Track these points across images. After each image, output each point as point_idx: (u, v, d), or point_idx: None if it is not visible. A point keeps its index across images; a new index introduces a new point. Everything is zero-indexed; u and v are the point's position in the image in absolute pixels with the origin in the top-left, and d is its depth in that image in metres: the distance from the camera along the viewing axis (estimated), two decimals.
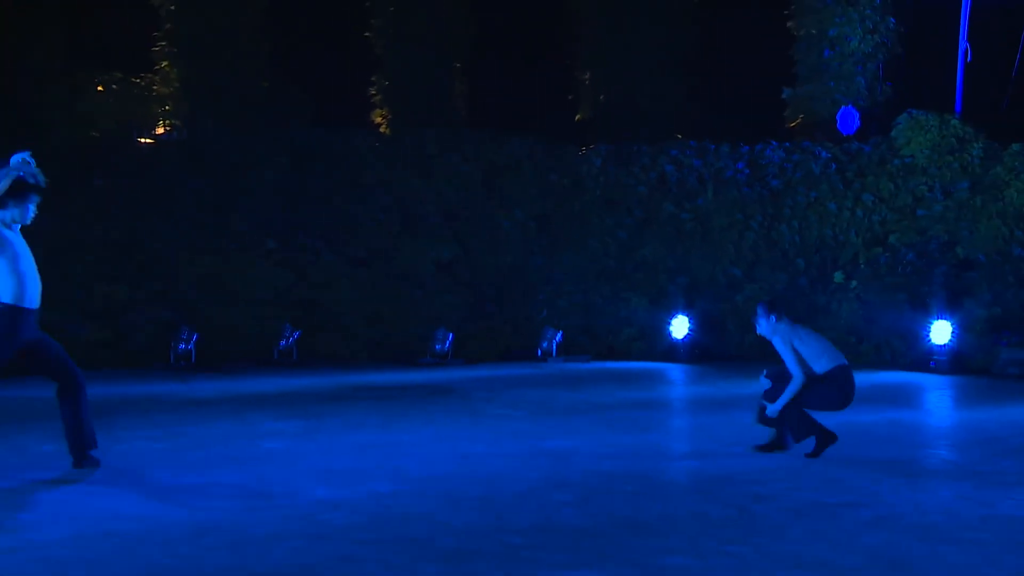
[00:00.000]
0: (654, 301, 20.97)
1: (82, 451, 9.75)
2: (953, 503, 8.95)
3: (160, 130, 23.19)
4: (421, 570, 6.93)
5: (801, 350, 10.71)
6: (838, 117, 22.51)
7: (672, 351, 20.23)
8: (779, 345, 10.72)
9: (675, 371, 19.12)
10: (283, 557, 7.15)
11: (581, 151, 22.81)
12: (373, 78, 24.53)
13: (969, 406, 15.93)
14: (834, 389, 10.70)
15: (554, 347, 20.26)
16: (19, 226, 9.54)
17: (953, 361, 18.84)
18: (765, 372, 10.98)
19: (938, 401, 16.48)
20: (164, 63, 23.15)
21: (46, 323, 9.95)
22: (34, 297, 9.56)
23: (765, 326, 10.86)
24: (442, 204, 21.81)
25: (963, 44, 22.48)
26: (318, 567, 6.97)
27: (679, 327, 20.23)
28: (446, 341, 19.90)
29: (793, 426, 10.71)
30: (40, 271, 9.62)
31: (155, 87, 23.35)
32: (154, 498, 8.75)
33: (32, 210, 9.47)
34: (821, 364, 10.70)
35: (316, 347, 20.01)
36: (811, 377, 10.68)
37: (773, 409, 10.65)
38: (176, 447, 11.12)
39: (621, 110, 24.15)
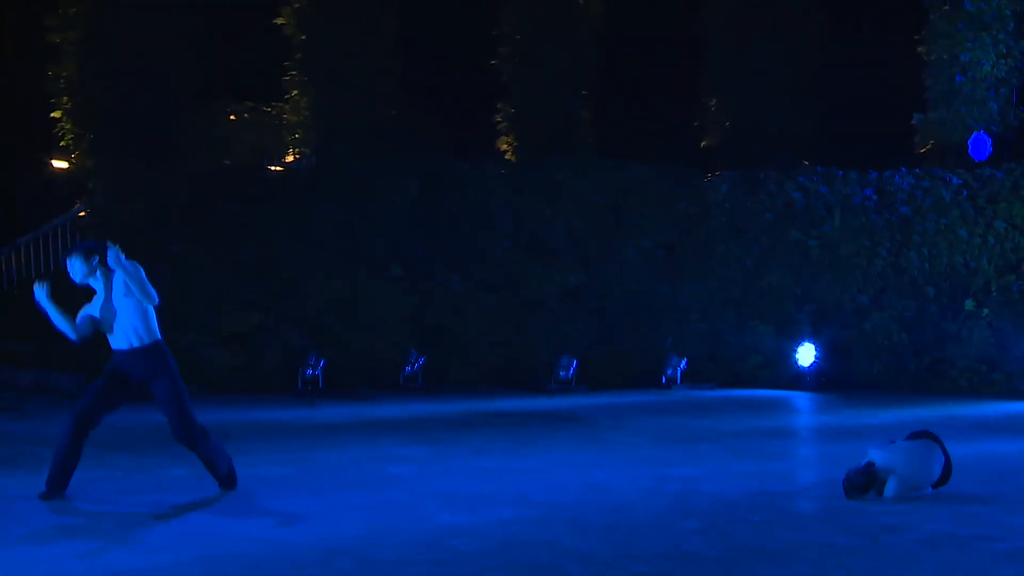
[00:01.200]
0: (780, 329, 20.80)
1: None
2: None
3: (290, 158, 23.54)
4: None
5: None
6: (970, 143, 22.15)
7: (798, 379, 20.04)
8: None
9: (801, 399, 18.93)
10: None
11: (707, 178, 22.74)
12: (499, 105, 24.67)
13: None
14: None
15: (679, 374, 20.18)
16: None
17: None
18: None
19: None
20: (295, 92, 23.52)
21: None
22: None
23: None
24: (569, 231, 21.85)
25: None
26: None
27: (805, 355, 20.03)
28: (571, 368, 19.92)
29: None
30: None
31: (285, 116, 23.72)
32: (283, 521, 8.88)
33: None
34: None
35: (443, 373, 20.15)
36: None
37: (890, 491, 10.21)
38: (304, 471, 11.28)
39: (748, 136, 24.00)
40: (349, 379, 19.36)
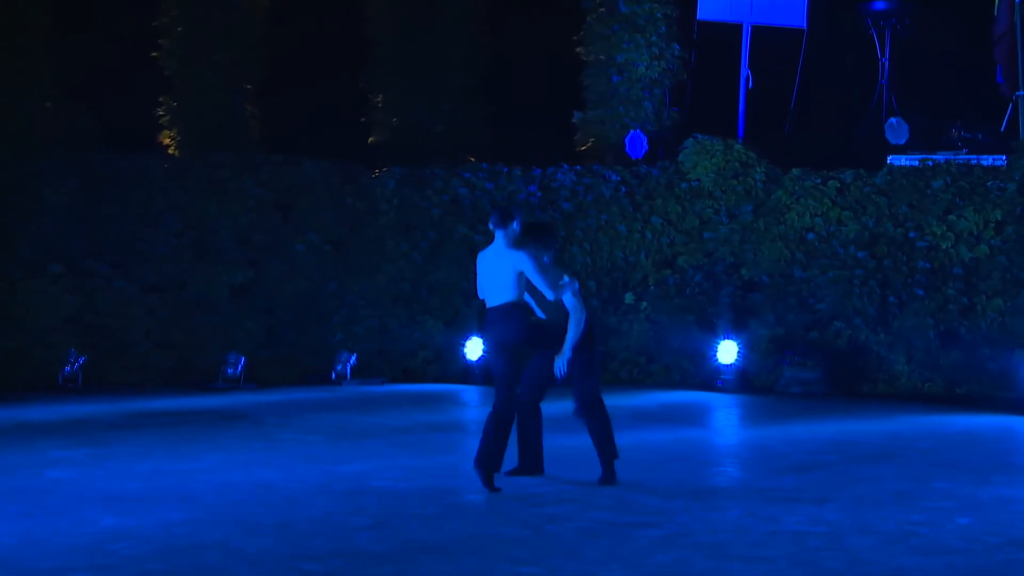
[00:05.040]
0: (449, 323, 21.04)
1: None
2: (741, 520, 9.20)
3: None
4: None
5: None
6: (626, 141, 22.85)
7: (467, 373, 20.32)
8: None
9: (470, 393, 19.23)
10: None
11: (375, 174, 22.75)
12: (162, 99, 24.09)
13: (754, 424, 16.40)
14: None
15: (348, 370, 20.18)
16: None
17: (739, 380, 19.36)
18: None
19: (725, 420, 16.91)
20: None
21: None
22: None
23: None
24: (236, 229, 21.49)
25: (744, 71, 23.13)
26: None
27: (473, 349, 20.34)
28: (238, 365, 19.66)
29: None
30: None
31: None
32: None
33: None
34: None
35: (106, 374, 19.60)
36: None
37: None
38: None
39: (414, 133, 24.12)
40: (5, 382, 18.62)
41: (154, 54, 23.86)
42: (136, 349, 20.23)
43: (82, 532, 8.48)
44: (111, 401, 17.46)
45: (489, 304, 10.62)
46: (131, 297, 20.45)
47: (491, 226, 10.59)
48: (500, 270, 10.46)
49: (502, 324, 10.51)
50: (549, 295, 10.46)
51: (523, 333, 10.55)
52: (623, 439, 11.24)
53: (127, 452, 12.55)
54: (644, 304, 20.78)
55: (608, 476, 10.56)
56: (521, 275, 10.37)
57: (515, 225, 10.55)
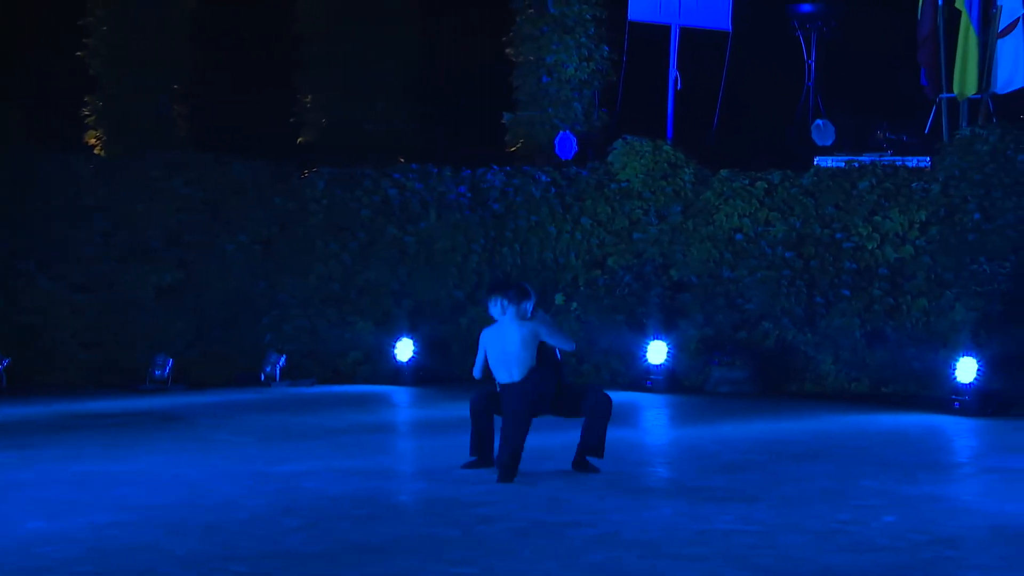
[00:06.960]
0: (379, 324, 20.98)
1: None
2: (672, 519, 9.28)
3: None
4: None
5: None
6: (556, 142, 22.89)
7: (397, 374, 20.28)
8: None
9: (400, 394, 19.21)
10: None
11: (304, 174, 22.67)
12: (88, 98, 23.86)
13: (684, 424, 16.52)
14: None
15: (278, 371, 20.08)
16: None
17: (668, 380, 19.43)
18: None
19: (655, 420, 17.02)
20: None
21: None
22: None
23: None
24: (165, 228, 21.32)
25: (673, 72, 23.25)
26: None
27: (404, 350, 20.31)
28: (166, 367, 19.53)
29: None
30: None
31: None
32: None
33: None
34: None
35: (32, 375, 19.41)
36: None
37: None
38: None
39: (344, 133, 24.05)
40: None
41: (79, 53, 23.62)
42: (63, 350, 20.06)
43: (10, 535, 8.41)
44: (39, 403, 17.29)
45: (513, 379, 11.19)
46: (58, 297, 20.26)
47: (498, 304, 11.46)
48: (516, 343, 11.20)
49: (536, 384, 11.21)
50: (570, 347, 11.79)
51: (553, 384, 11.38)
52: (555, 439, 11.31)
53: (57, 454, 12.45)
54: (574, 305, 20.83)
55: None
56: (537, 341, 11.30)
57: (528, 305, 11.40)
